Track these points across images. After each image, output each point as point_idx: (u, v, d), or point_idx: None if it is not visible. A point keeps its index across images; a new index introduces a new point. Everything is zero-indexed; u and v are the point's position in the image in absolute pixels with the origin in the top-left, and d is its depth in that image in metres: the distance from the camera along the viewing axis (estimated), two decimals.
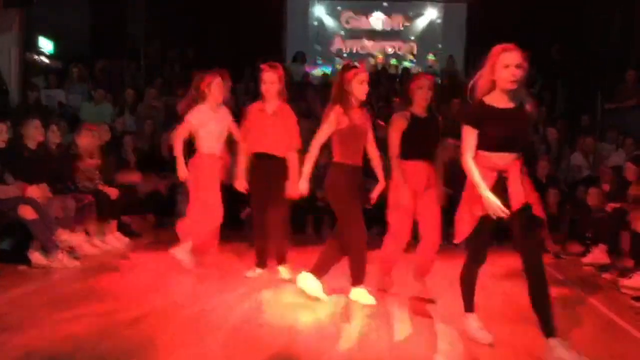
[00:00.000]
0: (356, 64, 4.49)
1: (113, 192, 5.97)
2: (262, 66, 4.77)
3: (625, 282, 4.91)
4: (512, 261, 5.89)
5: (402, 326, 3.83)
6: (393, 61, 12.82)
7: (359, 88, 4.17)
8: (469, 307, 3.54)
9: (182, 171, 4.92)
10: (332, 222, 6.95)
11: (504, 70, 3.19)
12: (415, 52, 13.31)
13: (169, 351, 3.24)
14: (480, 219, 3.29)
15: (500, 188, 3.25)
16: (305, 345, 3.44)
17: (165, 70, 11.02)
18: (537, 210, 3.26)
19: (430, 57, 12.70)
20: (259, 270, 4.92)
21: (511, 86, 3.20)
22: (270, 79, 4.67)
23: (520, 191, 3.23)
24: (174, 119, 7.97)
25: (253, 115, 4.81)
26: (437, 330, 3.72)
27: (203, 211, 4.93)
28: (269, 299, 4.33)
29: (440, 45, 13.03)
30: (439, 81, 10.93)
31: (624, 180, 5.94)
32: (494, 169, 3.27)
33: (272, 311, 4.04)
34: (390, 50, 13.38)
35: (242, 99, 8.58)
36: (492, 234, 3.41)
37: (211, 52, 10.93)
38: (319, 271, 4.30)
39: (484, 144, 3.27)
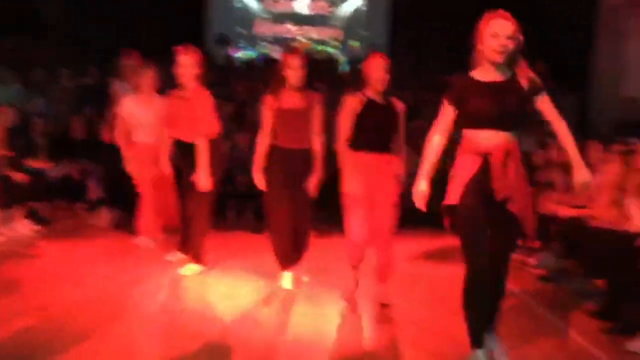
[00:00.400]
0: (295, 47, 4.47)
1: (20, 177, 5.66)
2: (178, 49, 4.56)
3: (530, 261, 5.16)
4: (424, 244, 6.13)
5: (330, 313, 3.87)
6: (318, 47, 12.81)
7: (291, 73, 4.12)
8: (475, 339, 2.91)
9: (127, 164, 5.15)
10: (255, 208, 6.94)
11: (491, 40, 2.83)
12: (339, 38, 13.36)
13: (80, 341, 3.13)
14: (465, 206, 2.86)
15: (483, 175, 2.85)
16: (227, 331, 3.42)
17: (78, 51, 10.51)
18: (519, 206, 2.85)
19: (355, 43, 12.79)
20: (180, 255, 4.79)
21: (497, 58, 2.83)
22: (186, 62, 4.48)
23: (502, 180, 2.83)
24: (87, 101, 7.68)
25: (171, 101, 4.68)
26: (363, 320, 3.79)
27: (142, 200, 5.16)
28: (189, 287, 4.26)
29: (364, 32, 13.14)
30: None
31: (531, 165, 6.21)
32: (479, 152, 2.87)
33: (193, 298, 3.98)
34: (314, 36, 13.37)
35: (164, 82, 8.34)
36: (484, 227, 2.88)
37: (129, 33, 10.53)
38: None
39: (468, 122, 2.93)
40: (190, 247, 4.61)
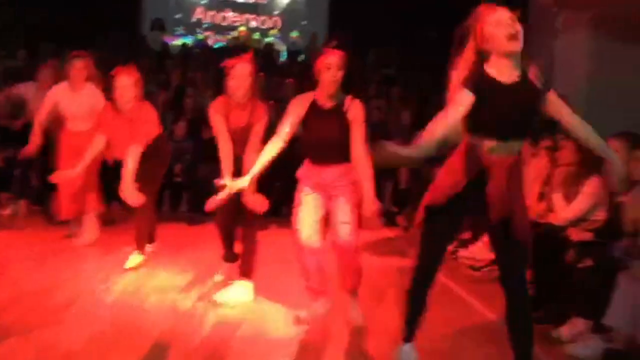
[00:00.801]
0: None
1: None
2: (117, 69, 4.46)
3: (462, 252, 5.33)
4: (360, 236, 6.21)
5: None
6: (256, 35, 12.69)
7: (231, 84, 3.77)
8: (405, 333, 2.91)
9: (32, 143, 5.06)
10: (191, 199, 6.84)
11: (497, 29, 2.47)
12: (279, 27, 13.28)
13: (4, 339, 3.00)
14: (448, 200, 2.63)
15: (476, 191, 2.58)
16: (158, 325, 3.36)
17: (4, 34, 10.00)
18: (518, 223, 2.59)
19: (294, 33, 12.75)
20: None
21: (515, 46, 2.46)
22: (125, 83, 4.38)
23: (499, 201, 2.55)
24: (11, 84, 7.33)
25: (107, 116, 4.54)
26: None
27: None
28: (121, 279, 4.16)
29: (304, 22, 13.11)
30: (303, 58, 11.02)
31: None
32: (478, 164, 2.57)
33: (123, 291, 3.89)
34: (253, 24, 13.23)
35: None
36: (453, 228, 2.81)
37: (58, 15, 10.09)
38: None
39: (476, 127, 2.55)
40: (134, 238, 4.54)
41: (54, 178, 4.72)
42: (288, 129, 3.37)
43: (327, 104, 3.35)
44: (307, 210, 3.41)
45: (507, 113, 2.49)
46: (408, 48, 10.67)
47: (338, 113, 3.32)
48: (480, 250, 5.11)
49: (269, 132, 3.63)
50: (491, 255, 4.87)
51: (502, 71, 2.51)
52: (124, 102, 4.43)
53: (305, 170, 3.46)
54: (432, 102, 9.83)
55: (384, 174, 7.31)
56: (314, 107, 3.36)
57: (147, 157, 4.50)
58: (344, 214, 3.34)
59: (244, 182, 3.46)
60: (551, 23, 8.29)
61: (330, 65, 3.25)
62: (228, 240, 4.15)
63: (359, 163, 3.28)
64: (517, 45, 2.47)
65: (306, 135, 3.40)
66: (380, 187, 7.19)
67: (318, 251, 3.44)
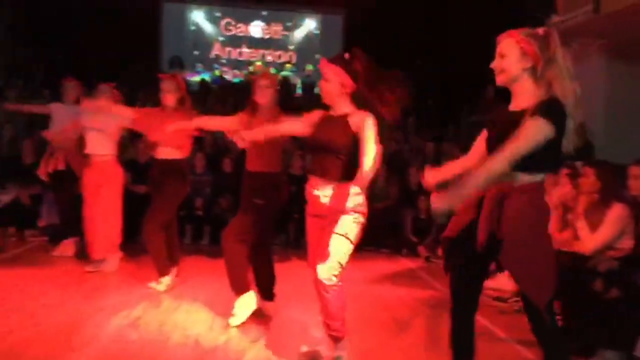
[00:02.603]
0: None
1: None
2: (161, 75, 4.92)
3: (487, 283, 5.26)
4: (382, 266, 6.19)
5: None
6: (272, 70, 12.88)
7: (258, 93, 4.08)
8: None
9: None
10: (213, 231, 6.88)
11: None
12: (294, 61, 13.48)
13: None
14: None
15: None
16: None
17: (28, 73, 10.27)
18: (516, 264, 2.45)
19: (309, 67, 12.92)
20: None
21: (497, 80, 2.59)
22: (168, 88, 4.76)
23: (483, 223, 2.49)
24: (36, 123, 7.50)
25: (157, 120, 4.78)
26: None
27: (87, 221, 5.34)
28: (144, 314, 4.16)
29: (318, 56, 13.30)
30: (318, 91, 11.13)
31: None
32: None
33: (146, 327, 3.88)
34: (269, 59, 13.44)
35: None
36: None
37: (84, 57, 10.36)
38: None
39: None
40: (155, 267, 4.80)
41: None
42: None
43: (334, 113, 3.31)
44: None
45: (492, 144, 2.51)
46: (422, 80, 10.77)
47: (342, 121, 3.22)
48: (506, 281, 5.03)
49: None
50: (517, 287, 4.82)
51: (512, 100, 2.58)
52: (167, 104, 4.76)
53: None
54: (448, 133, 9.92)
55: (404, 203, 7.31)
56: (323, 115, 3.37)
57: (168, 180, 4.71)
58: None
59: (255, 134, 3.51)
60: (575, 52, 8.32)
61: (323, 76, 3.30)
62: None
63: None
64: (498, 79, 2.55)
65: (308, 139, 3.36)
66: (401, 217, 7.19)
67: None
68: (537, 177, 2.46)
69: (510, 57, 2.49)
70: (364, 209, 3.18)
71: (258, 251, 4.08)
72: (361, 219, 3.17)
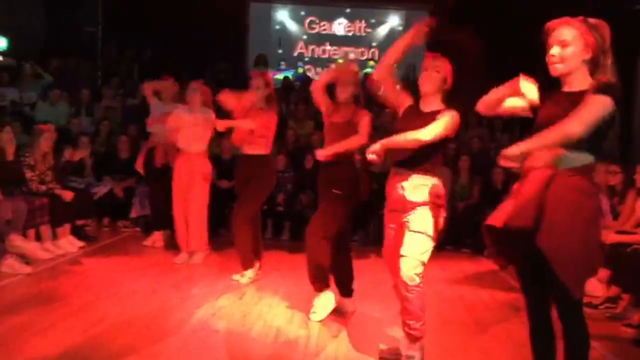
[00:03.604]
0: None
1: (67, 195, 5.82)
2: (252, 73, 5.18)
3: None
4: (463, 266, 6.05)
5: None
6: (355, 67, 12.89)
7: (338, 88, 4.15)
8: None
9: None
10: (293, 227, 6.99)
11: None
12: (377, 58, 13.41)
13: (121, 357, 3.18)
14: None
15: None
16: (260, 353, 3.42)
17: (121, 70, 10.82)
18: (550, 243, 2.30)
19: None
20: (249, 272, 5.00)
21: (552, 70, 2.49)
22: (257, 84, 4.89)
23: (520, 203, 2.39)
24: (131, 120, 7.88)
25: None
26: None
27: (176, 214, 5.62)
28: (227, 305, 4.29)
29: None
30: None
31: None
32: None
33: (229, 317, 4.00)
34: (352, 56, 13.44)
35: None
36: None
37: (170, 53, 10.77)
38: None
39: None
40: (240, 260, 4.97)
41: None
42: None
43: (423, 108, 3.28)
44: None
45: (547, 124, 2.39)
46: (507, 73, 10.41)
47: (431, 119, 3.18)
48: (596, 287, 4.80)
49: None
50: (608, 292, 4.59)
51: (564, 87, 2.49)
52: (257, 100, 4.88)
53: None
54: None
55: (486, 203, 7.09)
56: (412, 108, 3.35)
57: (255, 175, 4.84)
58: None
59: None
60: None
61: (427, 67, 3.28)
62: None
63: None
64: (555, 69, 2.44)
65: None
66: (483, 217, 6.98)
67: None
68: (587, 160, 2.35)
69: (574, 47, 2.39)
70: (443, 201, 3.14)
71: (338, 247, 4.10)
72: (441, 213, 3.13)
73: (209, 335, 3.64)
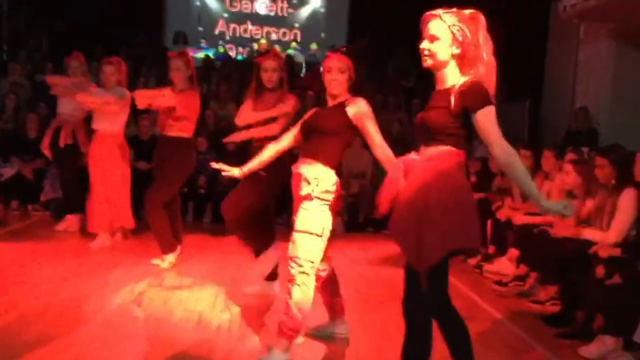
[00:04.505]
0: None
1: None
2: (170, 53, 4.91)
3: (488, 267, 5.29)
4: (387, 248, 6.20)
5: None
6: (277, 48, 12.78)
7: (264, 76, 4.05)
8: None
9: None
10: (214, 210, 6.89)
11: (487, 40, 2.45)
12: (299, 39, 13.36)
13: (34, 346, 3.04)
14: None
15: None
16: (183, 339, 3.38)
17: (29, 43, 10.19)
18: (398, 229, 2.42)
19: (313, 45, 12.81)
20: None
21: (424, 63, 2.51)
22: (176, 66, 4.73)
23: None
24: (41, 97, 7.45)
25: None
26: None
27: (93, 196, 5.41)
28: (147, 290, 4.18)
29: (323, 34, 13.18)
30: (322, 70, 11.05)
31: (489, 172, 6.37)
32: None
33: (149, 303, 3.91)
34: (274, 37, 13.33)
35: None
36: None
37: (83, 25, 10.26)
38: None
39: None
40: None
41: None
42: (293, 133, 3.32)
43: (331, 102, 3.24)
44: None
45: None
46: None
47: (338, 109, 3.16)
48: (506, 265, 5.06)
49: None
50: (517, 271, 4.85)
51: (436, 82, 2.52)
52: (177, 82, 4.74)
53: None
54: None
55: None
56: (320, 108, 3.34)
57: (173, 157, 4.73)
58: None
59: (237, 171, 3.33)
60: (573, 35, 8.25)
61: (330, 69, 3.18)
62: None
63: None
64: (425, 63, 2.46)
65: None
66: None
67: None
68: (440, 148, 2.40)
69: (442, 41, 2.40)
70: (331, 196, 3.05)
71: (261, 230, 4.08)
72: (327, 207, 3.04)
73: (128, 322, 3.55)
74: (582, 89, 8.16)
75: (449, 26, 2.40)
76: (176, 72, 4.73)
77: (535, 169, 5.33)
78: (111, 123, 5.29)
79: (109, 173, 5.30)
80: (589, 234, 4.10)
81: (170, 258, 4.82)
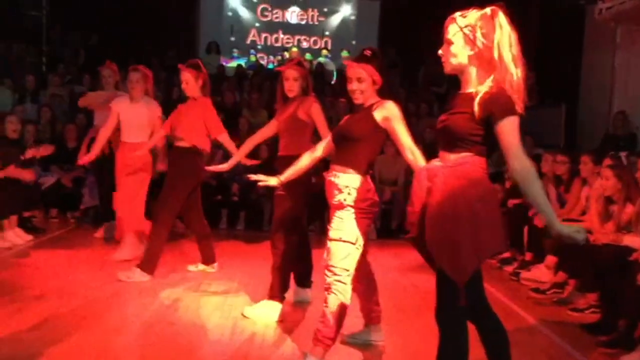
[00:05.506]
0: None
1: (27, 175, 5.73)
2: (180, 66, 4.84)
3: (525, 274, 5.21)
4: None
5: None
6: (308, 56, 12.84)
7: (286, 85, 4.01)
8: None
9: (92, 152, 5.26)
10: (248, 217, 6.96)
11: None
12: (329, 47, 13.42)
13: (74, 353, 3.10)
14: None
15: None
16: (213, 345, 3.40)
17: (66, 56, 10.46)
18: (429, 236, 2.35)
19: (344, 53, 12.84)
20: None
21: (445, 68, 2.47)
22: (185, 78, 4.72)
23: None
24: (79, 108, 7.63)
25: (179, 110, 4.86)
26: None
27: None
28: (182, 297, 4.23)
29: (354, 42, 13.21)
30: None
31: None
32: None
33: (185, 310, 3.96)
34: (305, 45, 13.41)
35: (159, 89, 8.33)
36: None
37: (117, 39, 10.48)
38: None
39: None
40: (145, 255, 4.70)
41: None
42: (327, 142, 3.30)
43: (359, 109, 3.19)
44: None
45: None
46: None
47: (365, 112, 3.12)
48: (544, 273, 4.97)
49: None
50: (555, 278, 4.76)
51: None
52: (189, 94, 4.76)
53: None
54: None
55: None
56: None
57: (176, 166, 4.69)
58: None
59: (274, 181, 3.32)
60: (609, 38, 8.10)
61: (350, 79, 3.13)
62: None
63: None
64: (445, 68, 2.42)
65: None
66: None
67: None
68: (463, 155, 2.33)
69: (456, 45, 2.34)
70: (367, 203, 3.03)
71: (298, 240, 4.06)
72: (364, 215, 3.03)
73: (165, 328, 3.59)
74: (619, 93, 7.99)
75: (461, 28, 2.34)
76: (185, 85, 4.72)
77: (573, 174, 5.23)
78: (138, 133, 5.27)
79: (132, 182, 5.27)
80: (629, 240, 4.00)
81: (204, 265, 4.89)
